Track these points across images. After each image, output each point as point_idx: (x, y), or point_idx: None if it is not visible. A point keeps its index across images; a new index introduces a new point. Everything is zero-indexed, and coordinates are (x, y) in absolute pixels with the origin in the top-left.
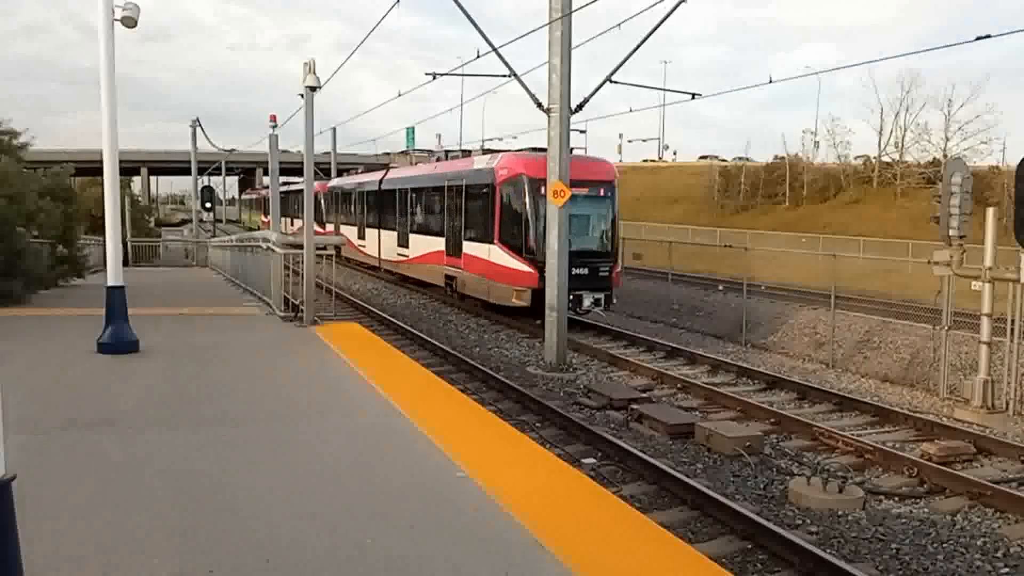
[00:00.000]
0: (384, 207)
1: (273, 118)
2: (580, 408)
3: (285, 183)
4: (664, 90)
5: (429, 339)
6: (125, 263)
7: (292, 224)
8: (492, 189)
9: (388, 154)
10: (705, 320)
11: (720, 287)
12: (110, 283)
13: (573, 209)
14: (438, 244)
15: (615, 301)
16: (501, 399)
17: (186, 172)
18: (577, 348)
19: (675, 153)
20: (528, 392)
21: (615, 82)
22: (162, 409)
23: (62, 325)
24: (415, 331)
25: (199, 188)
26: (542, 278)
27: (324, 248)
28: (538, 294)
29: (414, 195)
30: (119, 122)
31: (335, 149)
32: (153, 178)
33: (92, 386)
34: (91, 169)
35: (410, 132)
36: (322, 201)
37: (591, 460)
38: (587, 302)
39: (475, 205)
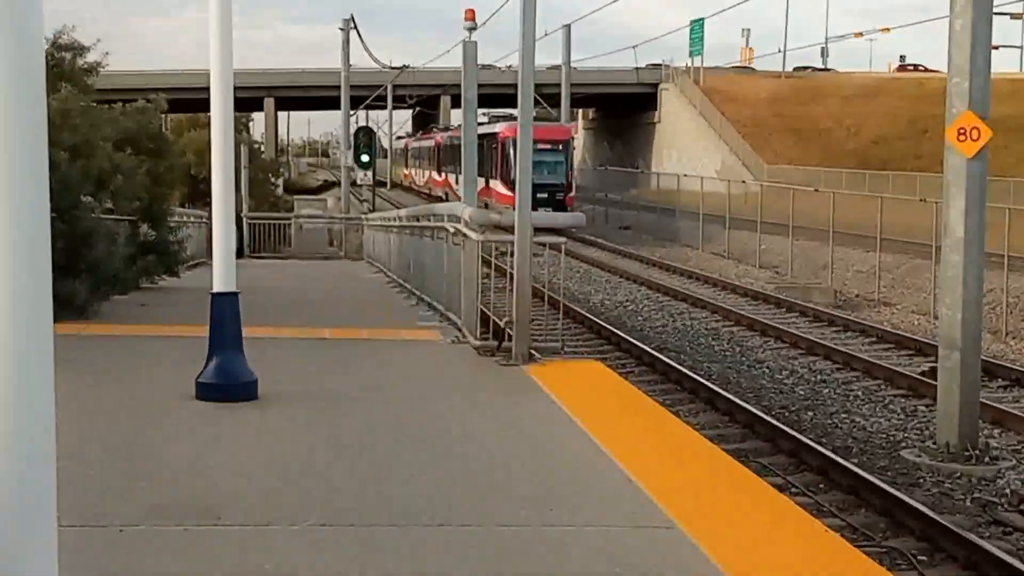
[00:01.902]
0: None
1: (470, 15)
2: (1005, 532)
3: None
4: None
5: (723, 392)
6: (239, 253)
7: (456, 181)
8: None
9: (660, 66)
10: None
11: None
12: (217, 288)
13: (541, 157)
14: None
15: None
16: (854, 506)
17: (331, 104)
18: (997, 418)
19: None
20: (906, 498)
21: None
22: (291, 495)
23: (145, 352)
24: (696, 375)
25: (352, 131)
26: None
27: (553, 231)
28: None
29: None
30: (234, 26)
31: (569, 62)
32: (282, 114)
33: (185, 453)
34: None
35: (696, 28)
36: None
37: None
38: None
39: None
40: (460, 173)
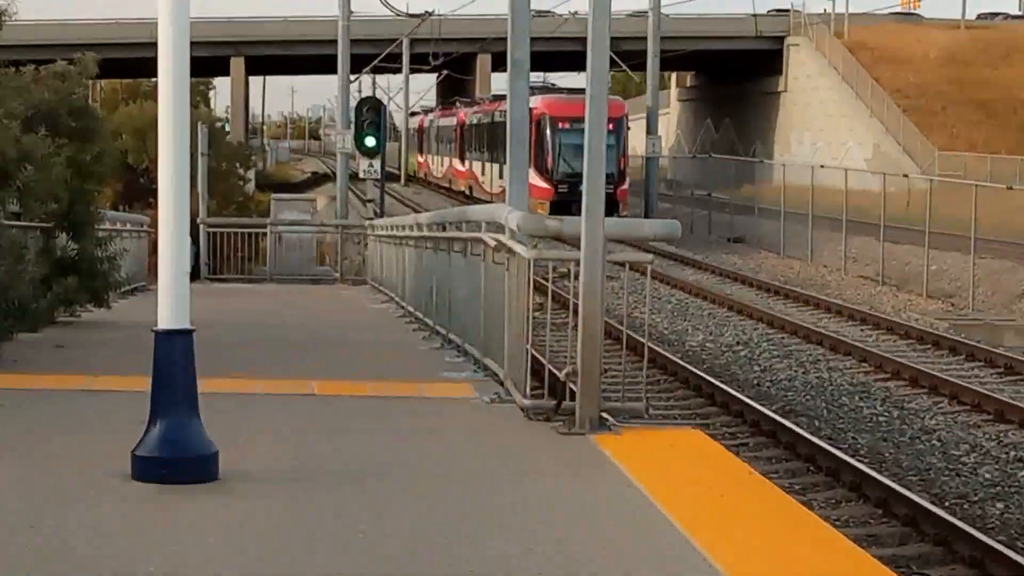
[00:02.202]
0: None
1: None
2: None
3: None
4: None
5: (875, 474)
6: (194, 274)
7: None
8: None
9: (787, 12)
10: None
11: None
12: (164, 324)
13: (580, 140)
14: None
15: (620, 214)
16: None
17: (323, 67)
18: None
19: None
20: None
21: None
22: None
23: (62, 412)
24: (837, 450)
25: (353, 104)
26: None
27: (633, 245)
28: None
29: None
30: None
31: (659, 7)
32: (256, 81)
33: (112, 558)
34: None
35: None
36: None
37: None
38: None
39: None
40: (492, 161)
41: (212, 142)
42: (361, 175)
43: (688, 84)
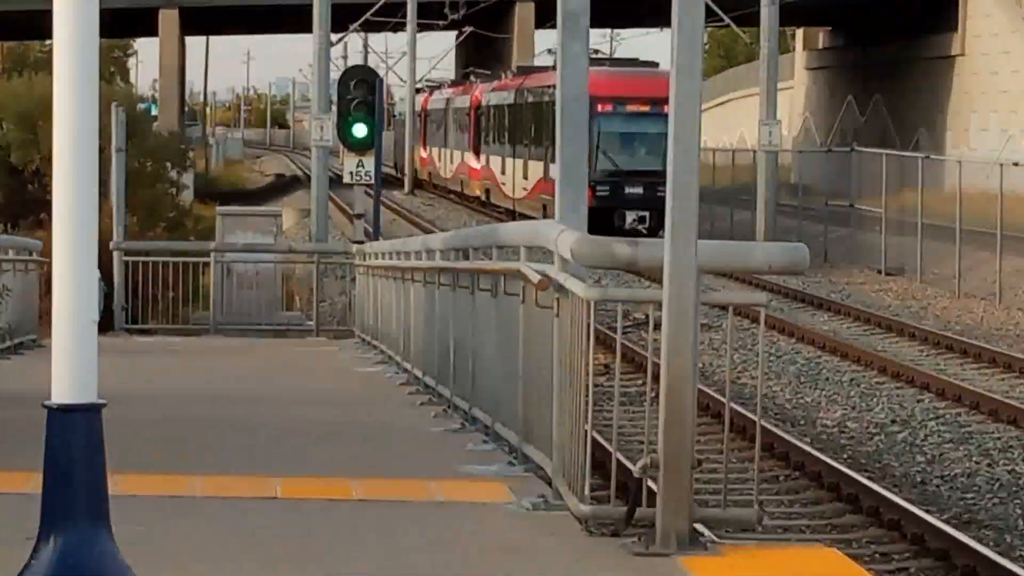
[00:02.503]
0: None
1: None
2: None
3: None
4: None
5: None
6: (105, 324)
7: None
8: None
9: None
10: None
11: None
12: (60, 396)
13: (627, 127)
14: None
15: None
16: None
17: (290, 22)
18: None
19: None
20: None
21: None
22: None
23: None
24: None
25: (334, 77)
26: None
27: (738, 281)
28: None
29: None
30: None
31: None
32: (194, 43)
33: None
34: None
35: None
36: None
37: None
38: (629, 219)
39: None
40: (516, 155)
41: (133, 132)
42: (347, 179)
43: (820, 46)
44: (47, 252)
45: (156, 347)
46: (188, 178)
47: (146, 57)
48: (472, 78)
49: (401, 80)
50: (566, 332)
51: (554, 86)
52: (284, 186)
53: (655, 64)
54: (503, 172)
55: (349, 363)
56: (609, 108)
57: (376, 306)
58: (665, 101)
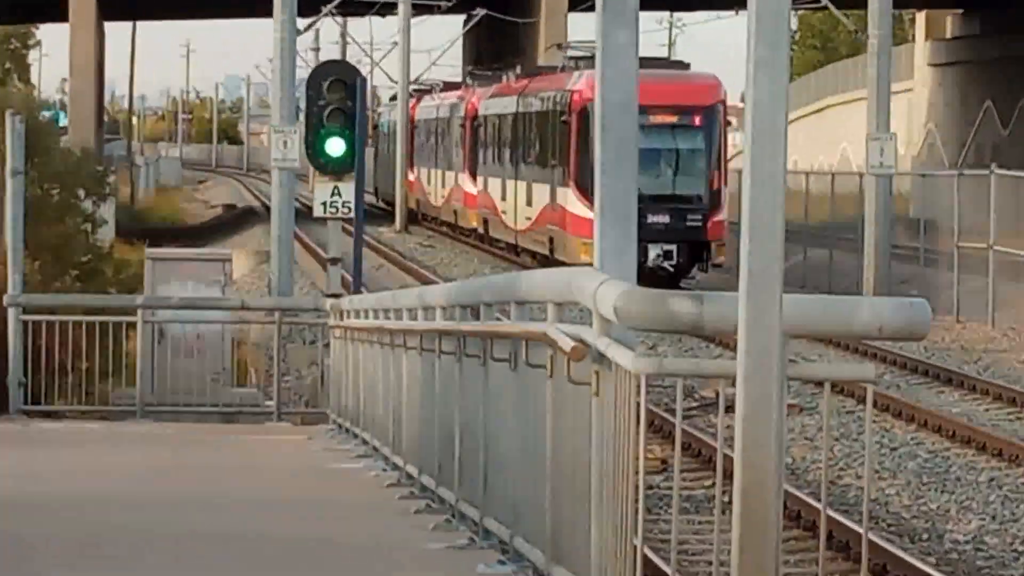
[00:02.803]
0: None
1: None
2: None
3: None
4: None
5: None
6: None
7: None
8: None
9: None
10: None
11: None
12: None
13: (650, 143)
14: None
15: (712, 261)
16: None
17: (249, 4)
18: None
19: None
20: None
21: None
22: None
23: None
24: None
25: (299, 76)
26: None
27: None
28: None
29: None
30: None
31: None
32: (117, 28)
33: None
34: None
35: None
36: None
37: None
38: (652, 254)
39: None
40: (518, 176)
41: (34, 149)
42: (318, 212)
43: (949, 35)
44: None
45: (64, 436)
46: (108, 210)
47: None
48: (469, 80)
49: (391, 80)
50: (609, 416)
51: (562, 91)
52: (235, 221)
53: (686, 65)
54: (503, 198)
55: (321, 457)
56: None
57: (357, 381)
58: (697, 111)
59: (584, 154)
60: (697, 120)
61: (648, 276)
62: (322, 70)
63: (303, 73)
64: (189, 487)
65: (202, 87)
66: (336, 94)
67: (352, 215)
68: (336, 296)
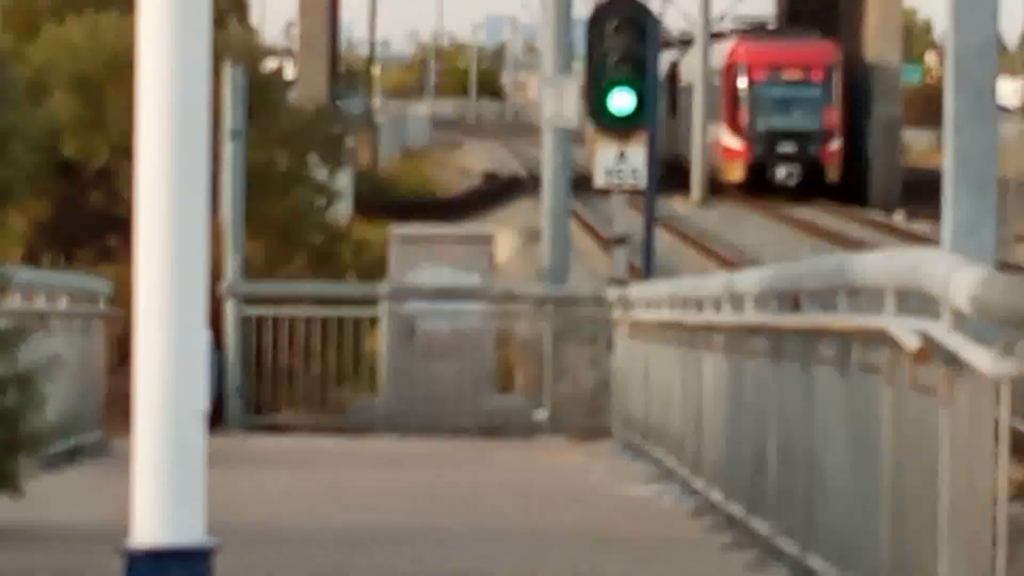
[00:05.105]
0: None
1: None
2: None
3: None
4: None
5: None
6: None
7: None
8: None
9: None
10: None
11: None
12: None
13: (782, 93)
14: None
15: (827, 176)
16: None
17: None
18: None
19: None
20: None
21: None
22: None
23: None
24: None
25: (573, 17)
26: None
27: None
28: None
29: None
30: None
31: None
32: None
33: None
34: None
35: None
36: None
37: None
38: (781, 173)
39: None
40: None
41: (257, 107)
42: (600, 182)
43: None
44: (122, 298)
45: (292, 454)
46: (345, 180)
47: None
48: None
49: (686, 25)
50: (962, 430)
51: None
52: (498, 192)
53: (811, 32)
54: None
55: (606, 481)
56: (765, 75)
57: (648, 387)
58: (818, 67)
59: (732, 99)
60: (818, 75)
61: (776, 187)
62: (606, 8)
63: (581, 12)
64: (448, 518)
65: (457, 30)
66: (623, 38)
67: (641, 185)
68: (622, 284)
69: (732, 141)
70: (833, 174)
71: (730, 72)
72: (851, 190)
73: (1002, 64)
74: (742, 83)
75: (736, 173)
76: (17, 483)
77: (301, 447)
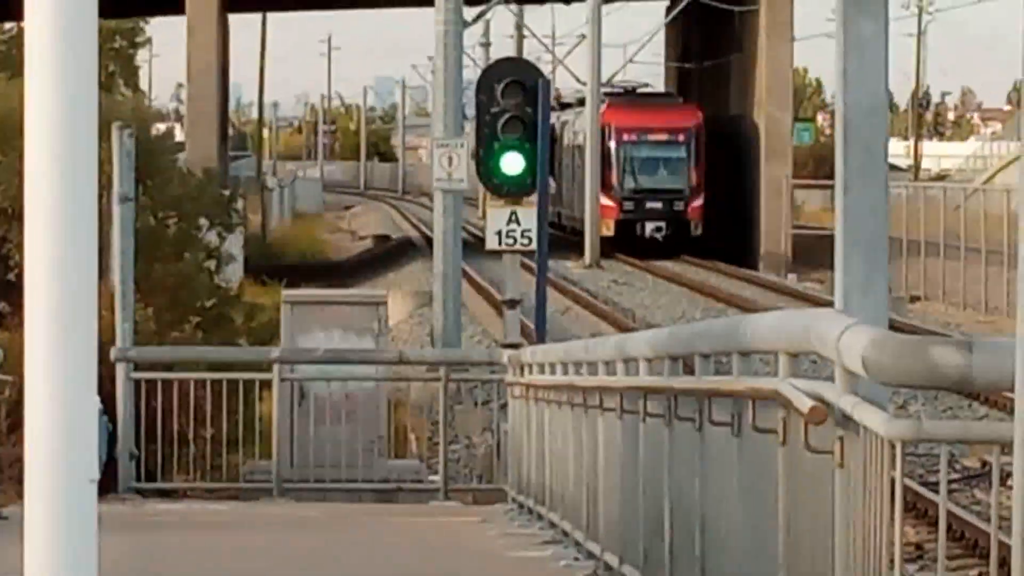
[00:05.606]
0: None
1: None
2: None
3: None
4: None
5: None
6: (106, 484)
7: None
8: None
9: None
10: None
11: None
12: None
13: (650, 152)
14: None
15: (692, 231)
16: None
17: None
18: None
19: None
20: None
21: None
22: None
23: None
24: None
25: (466, 77)
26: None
27: None
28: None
29: None
30: None
31: None
32: (242, 20)
33: None
34: None
35: None
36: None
37: None
38: (650, 228)
39: None
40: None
41: (147, 170)
42: (492, 244)
43: None
44: (15, 365)
45: (185, 519)
46: (235, 243)
47: (165, 48)
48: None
49: (579, 82)
50: (856, 492)
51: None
52: (389, 255)
53: (674, 96)
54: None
55: (500, 544)
56: (633, 137)
57: (542, 450)
58: (681, 131)
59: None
60: (681, 137)
61: (645, 242)
62: (495, 70)
63: (471, 74)
64: None
65: (347, 93)
66: (513, 98)
67: (532, 247)
68: (515, 347)
69: (604, 199)
70: (697, 229)
71: (601, 134)
72: (742, 250)
73: (894, 124)
74: (611, 144)
75: (607, 229)
76: None
77: (195, 512)
